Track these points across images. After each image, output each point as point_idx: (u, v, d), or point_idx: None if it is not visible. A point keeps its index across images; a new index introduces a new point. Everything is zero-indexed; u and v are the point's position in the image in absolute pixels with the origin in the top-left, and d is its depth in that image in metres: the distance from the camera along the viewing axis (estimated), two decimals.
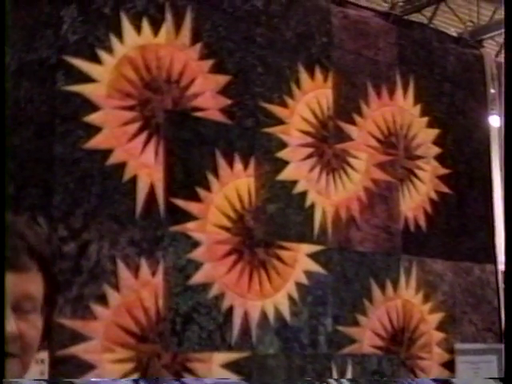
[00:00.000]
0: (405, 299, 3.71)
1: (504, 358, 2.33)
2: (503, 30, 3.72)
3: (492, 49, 4.85)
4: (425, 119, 3.92)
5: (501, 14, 5.52)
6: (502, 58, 4.38)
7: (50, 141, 2.82)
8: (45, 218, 2.76)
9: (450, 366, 3.84)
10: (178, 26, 3.15)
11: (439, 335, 3.84)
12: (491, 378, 3.86)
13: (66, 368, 2.76)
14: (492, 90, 4.16)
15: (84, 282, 2.84)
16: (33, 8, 2.75)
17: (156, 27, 3.09)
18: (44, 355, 2.68)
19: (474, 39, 4.38)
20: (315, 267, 3.42)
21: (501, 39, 5.26)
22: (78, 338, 2.79)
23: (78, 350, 2.79)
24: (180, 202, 3.08)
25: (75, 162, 2.86)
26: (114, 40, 2.98)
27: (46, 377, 2.66)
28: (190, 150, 3.14)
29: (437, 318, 3.84)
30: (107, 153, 2.94)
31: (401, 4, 4.04)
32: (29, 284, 1.58)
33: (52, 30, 2.82)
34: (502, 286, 4.02)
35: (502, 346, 3.69)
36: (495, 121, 4.11)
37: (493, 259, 4.06)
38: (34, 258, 1.78)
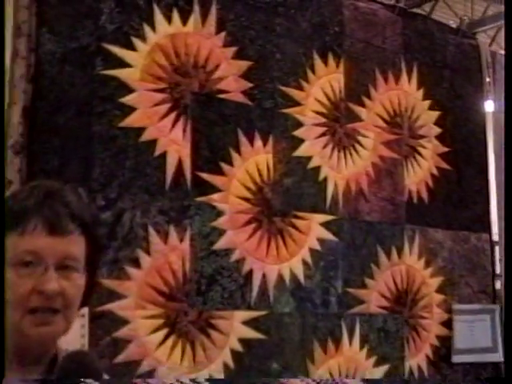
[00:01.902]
0: (408, 264, 3.71)
1: (504, 358, 2.32)
2: (503, 28, 3.70)
3: (484, 41, 4.82)
4: (427, 102, 3.91)
5: (492, 10, 5.51)
6: (494, 49, 4.37)
7: (89, 120, 2.80)
8: (85, 189, 2.71)
9: (448, 324, 3.83)
10: (204, 16, 3.13)
11: (439, 297, 3.83)
12: (492, 377, 3.87)
13: (103, 322, 2.75)
14: (487, 79, 4.10)
15: (119, 246, 2.83)
16: (75, 1, 2.72)
17: (185, 17, 3.07)
18: (84, 311, 2.65)
19: (469, 32, 4.36)
20: (327, 235, 3.41)
21: (492, 32, 5.26)
22: (113, 296, 2.79)
23: (113, 306, 2.79)
24: (205, 176, 3.07)
25: (111, 138, 2.85)
26: (147, 29, 2.96)
27: (86, 329, 2.66)
28: (215, 128, 3.13)
29: (437, 281, 3.83)
30: (140, 131, 2.93)
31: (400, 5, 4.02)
32: (71, 246, 1.60)
33: (92, 20, 2.79)
34: (496, 253, 4.03)
35: (495, 307, 3.70)
36: (490, 106, 4.03)
37: (487, 229, 4.04)
38: (77, 222, 1.80)
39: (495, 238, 4.06)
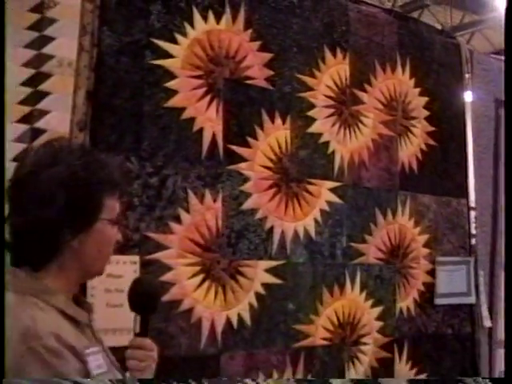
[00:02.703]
0: (401, 224, 3.68)
1: (504, 358, 2.27)
2: (476, 33, 3.65)
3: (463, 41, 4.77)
4: (417, 89, 3.85)
5: (467, 19, 5.51)
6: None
7: (140, 101, 2.77)
8: (136, 158, 2.74)
9: (432, 273, 3.81)
10: (234, 16, 3.08)
11: (425, 251, 3.80)
12: (492, 378, 3.85)
13: (151, 268, 2.74)
14: (466, 75, 4.06)
15: (164, 206, 2.81)
16: (130, 5, 2.73)
17: (218, 17, 3.03)
18: (136, 258, 2.69)
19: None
20: (334, 198, 3.38)
21: (467, 37, 5.26)
22: (160, 247, 2.77)
23: (159, 255, 2.77)
24: (234, 148, 3.04)
25: (158, 117, 2.82)
26: (187, 27, 2.92)
27: (138, 274, 2.65)
28: (243, 108, 3.09)
29: (424, 238, 3.80)
30: (181, 110, 2.89)
31: (396, 9, 3.98)
32: (116, 203, 1.80)
33: (143, 20, 2.77)
34: (471, 216, 4.02)
35: (471, 259, 3.69)
36: (468, 96, 4.03)
37: (465, 195, 4.01)
38: (117, 188, 1.79)
39: (472, 204, 4.03)
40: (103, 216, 1.75)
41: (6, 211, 1.70)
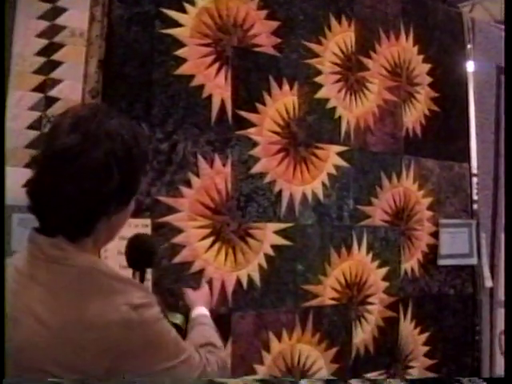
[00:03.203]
0: (405, 187, 3.58)
1: (504, 358, 2.18)
2: (477, 4, 3.53)
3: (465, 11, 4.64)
4: (421, 56, 3.74)
5: None
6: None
7: (150, 69, 2.68)
8: (146, 125, 2.65)
9: (435, 235, 3.72)
10: None
11: (429, 213, 3.71)
12: (492, 378, 3.76)
13: (163, 231, 2.68)
14: (468, 46, 3.94)
15: (174, 170, 2.74)
16: None
17: None
18: (148, 222, 2.62)
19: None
20: (341, 162, 3.28)
21: (468, 8, 5.14)
22: (171, 210, 2.70)
23: (170, 218, 2.70)
24: (243, 113, 2.94)
25: (168, 84, 2.73)
26: None
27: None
28: (251, 75, 2.99)
29: (427, 201, 3.70)
30: (191, 78, 2.80)
31: None
32: None
33: None
34: (473, 183, 3.91)
35: (472, 222, 3.60)
36: (470, 65, 3.92)
37: (467, 159, 3.89)
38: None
39: (474, 170, 3.92)
40: (138, 191, 1.74)
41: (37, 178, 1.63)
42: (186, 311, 2.35)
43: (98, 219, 1.62)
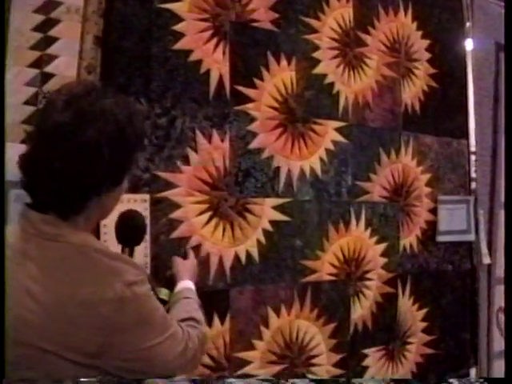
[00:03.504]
0: (404, 163, 3.53)
1: (505, 358, 2.15)
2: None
3: None
4: (420, 32, 3.68)
5: None
6: None
7: (149, 44, 2.64)
8: (145, 99, 2.61)
9: (434, 211, 3.68)
10: None
11: (427, 189, 3.67)
12: (493, 378, 3.73)
13: (161, 206, 2.64)
14: (468, 23, 3.88)
15: (172, 146, 2.69)
16: None
17: None
18: (146, 197, 2.59)
19: None
20: (340, 138, 3.23)
21: None
22: (169, 185, 2.66)
23: (169, 193, 2.66)
24: (241, 89, 2.89)
25: (166, 59, 2.68)
26: None
27: (148, 212, 2.58)
28: (249, 50, 2.93)
29: (426, 177, 3.66)
30: (189, 52, 2.75)
31: None
32: None
33: None
34: (472, 161, 3.87)
35: (470, 198, 3.57)
36: (469, 43, 3.87)
37: (466, 136, 3.85)
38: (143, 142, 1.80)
39: (472, 148, 3.88)
40: (131, 170, 1.75)
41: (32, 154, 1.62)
42: (172, 283, 2.31)
43: (88, 198, 1.62)
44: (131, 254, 2.12)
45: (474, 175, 3.87)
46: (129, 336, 1.60)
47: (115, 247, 2.13)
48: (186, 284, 2.25)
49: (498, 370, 3.85)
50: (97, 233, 2.39)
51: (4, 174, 1.62)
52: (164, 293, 2.23)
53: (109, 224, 2.35)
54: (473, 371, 3.88)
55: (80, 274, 1.55)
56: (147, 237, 2.56)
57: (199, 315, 2.03)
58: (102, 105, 1.61)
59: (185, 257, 2.60)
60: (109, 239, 2.32)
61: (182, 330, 1.82)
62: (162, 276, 2.50)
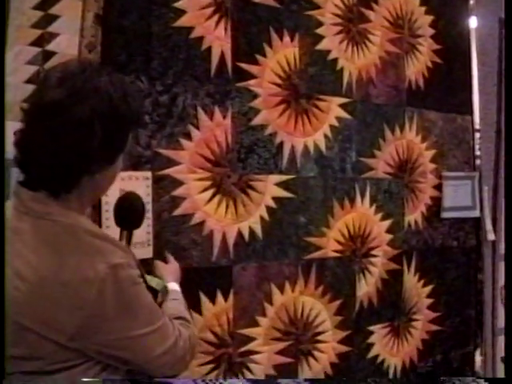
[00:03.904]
0: (408, 139, 3.46)
1: (505, 358, 2.10)
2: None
3: None
4: (423, 8, 3.59)
5: None
6: None
7: (149, 21, 2.58)
8: (146, 77, 2.56)
9: (438, 187, 3.61)
10: None
11: (432, 166, 3.59)
12: (492, 378, 3.68)
13: (163, 184, 2.59)
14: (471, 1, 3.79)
15: (174, 123, 2.64)
16: None
17: None
18: (148, 174, 2.55)
19: None
20: (344, 114, 3.17)
21: None
22: (171, 162, 2.61)
23: (171, 171, 2.61)
24: (243, 65, 2.83)
25: (167, 36, 2.62)
26: None
27: (150, 189, 2.55)
28: (251, 27, 2.87)
29: (430, 153, 3.59)
30: (190, 29, 2.69)
31: None
32: None
33: None
34: (476, 139, 3.80)
35: (475, 174, 3.51)
36: (473, 21, 3.80)
37: (470, 112, 3.77)
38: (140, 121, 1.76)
39: (476, 126, 3.80)
40: (125, 149, 1.70)
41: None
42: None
43: (79, 176, 1.59)
44: (129, 238, 2.05)
45: (478, 153, 3.80)
46: (109, 322, 1.55)
47: (116, 230, 2.09)
48: (172, 286, 2.15)
49: (503, 346, 3.81)
50: (98, 215, 2.37)
51: (4, 153, 1.59)
52: (155, 282, 2.09)
53: (111, 202, 2.30)
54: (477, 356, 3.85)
55: (66, 254, 1.52)
56: (149, 214, 2.52)
57: (189, 317, 1.96)
58: (96, 83, 1.57)
59: (165, 261, 2.50)
60: (110, 217, 2.25)
61: (172, 326, 1.76)
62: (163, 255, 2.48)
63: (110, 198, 2.30)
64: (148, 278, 1.94)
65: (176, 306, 2.00)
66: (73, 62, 1.77)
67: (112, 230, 2.15)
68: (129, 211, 2.10)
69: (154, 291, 1.93)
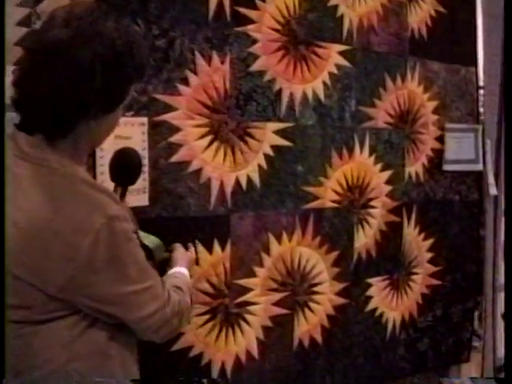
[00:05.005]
0: (410, 89, 3.43)
1: (505, 358, 2.10)
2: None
3: None
4: None
5: None
6: None
7: None
8: (142, 20, 2.52)
9: (440, 139, 3.60)
10: None
11: (434, 117, 3.57)
12: (493, 377, 3.68)
13: (160, 130, 2.58)
14: None
15: (171, 68, 2.61)
16: None
17: None
18: (144, 120, 2.53)
19: None
20: (343, 62, 3.14)
21: None
22: (168, 108, 2.60)
23: (167, 116, 2.60)
24: (242, 10, 2.80)
25: None
26: None
27: (146, 136, 2.54)
28: None
29: (433, 104, 3.56)
30: None
31: None
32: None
33: None
34: (480, 95, 3.79)
35: (478, 126, 3.51)
36: None
37: (474, 63, 3.74)
38: (143, 74, 1.80)
39: (480, 81, 3.79)
40: (125, 101, 1.69)
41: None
42: (168, 266, 2.14)
43: (75, 120, 1.58)
44: (123, 194, 2.04)
45: (481, 109, 3.79)
46: (99, 275, 1.55)
47: (110, 185, 2.08)
48: (181, 269, 2.10)
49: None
50: (93, 169, 2.35)
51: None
52: (150, 240, 2.06)
53: (107, 148, 2.31)
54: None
55: (62, 203, 1.52)
56: (145, 161, 2.52)
57: (188, 291, 1.92)
58: (101, 27, 1.57)
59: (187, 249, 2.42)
60: (105, 162, 2.26)
61: (163, 288, 1.75)
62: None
63: (104, 144, 2.29)
64: (142, 234, 1.93)
65: (177, 280, 1.96)
66: (81, 3, 1.77)
67: (106, 184, 2.12)
68: (125, 168, 2.07)
69: (148, 250, 1.92)
